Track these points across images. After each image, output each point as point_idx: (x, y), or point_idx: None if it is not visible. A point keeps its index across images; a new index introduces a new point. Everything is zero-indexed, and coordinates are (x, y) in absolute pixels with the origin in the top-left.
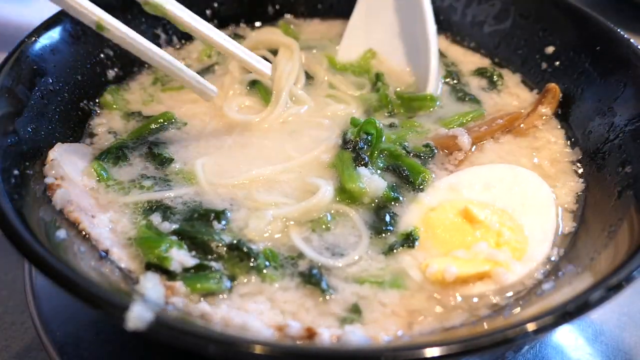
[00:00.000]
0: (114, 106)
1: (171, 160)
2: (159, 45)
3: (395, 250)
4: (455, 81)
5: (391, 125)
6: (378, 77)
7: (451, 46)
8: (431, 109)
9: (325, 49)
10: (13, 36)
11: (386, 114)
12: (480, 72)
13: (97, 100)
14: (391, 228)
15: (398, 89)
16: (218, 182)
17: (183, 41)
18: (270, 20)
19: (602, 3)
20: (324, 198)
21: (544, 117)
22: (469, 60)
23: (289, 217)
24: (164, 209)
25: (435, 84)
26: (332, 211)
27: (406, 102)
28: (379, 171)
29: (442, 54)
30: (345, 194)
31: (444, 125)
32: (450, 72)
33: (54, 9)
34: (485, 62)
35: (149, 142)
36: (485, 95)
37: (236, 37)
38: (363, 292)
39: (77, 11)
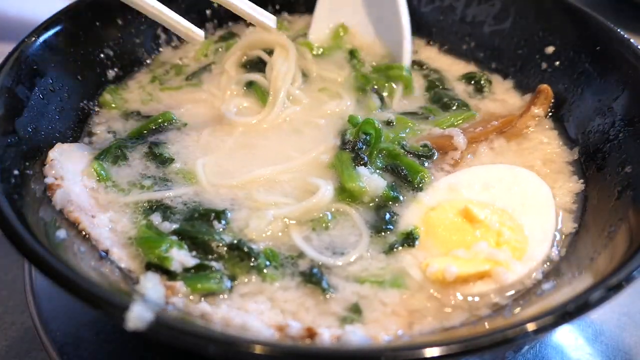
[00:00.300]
0: (113, 105)
1: (172, 160)
2: (158, 45)
3: (395, 250)
4: (440, 87)
5: (388, 124)
6: (352, 53)
7: (439, 55)
8: (409, 89)
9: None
10: (16, 28)
11: (379, 110)
12: (467, 78)
13: (96, 100)
14: (391, 227)
15: (374, 64)
16: (218, 182)
17: (182, 41)
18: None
19: (602, 3)
20: (324, 197)
21: (537, 118)
22: (455, 68)
23: (290, 216)
24: (164, 209)
25: (409, 55)
26: (333, 210)
27: (384, 72)
28: (378, 171)
29: (427, 64)
30: (345, 194)
31: (437, 125)
32: (432, 80)
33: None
34: (473, 68)
35: (149, 142)
36: (471, 100)
37: (231, 35)
38: (363, 291)
39: None
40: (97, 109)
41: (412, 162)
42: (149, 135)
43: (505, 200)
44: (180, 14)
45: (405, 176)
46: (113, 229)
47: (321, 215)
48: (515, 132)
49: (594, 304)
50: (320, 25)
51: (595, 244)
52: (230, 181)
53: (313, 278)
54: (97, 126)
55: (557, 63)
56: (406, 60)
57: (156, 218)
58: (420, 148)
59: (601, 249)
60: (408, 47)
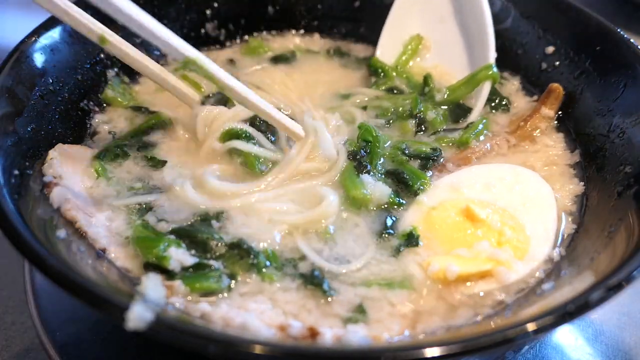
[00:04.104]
0: (120, 101)
1: (164, 162)
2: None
3: (399, 251)
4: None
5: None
6: (426, 80)
7: None
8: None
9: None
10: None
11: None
12: None
13: (98, 99)
14: (392, 231)
15: (445, 89)
16: (220, 187)
17: None
18: (270, 21)
19: (602, 3)
20: (330, 207)
21: (547, 119)
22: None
23: (295, 224)
24: (163, 211)
25: (493, 49)
26: (337, 218)
27: (463, 87)
28: (380, 175)
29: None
30: (350, 202)
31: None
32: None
33: None
34: None
35: (145, 143)
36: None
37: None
38: (366, 292)
39: (81, 25)
40: (97, 109)
41: (414, 169)
42: (144, 136)
43: (506, 200)
44: (180, 14)
45: (405, 181)
46: (110, 228)
47: (326, 223)
48: (524, 134)
49: (594, 304)
50: (391, 39)
51: (595, 243)
52: (231, 186)
53: (314, 280)
54: (98, 127)
55: (557, 63)
56: (491, 57)
57: (152, 218)
58: (425, 150)
59: (601, 249)
60: (492, 40)
